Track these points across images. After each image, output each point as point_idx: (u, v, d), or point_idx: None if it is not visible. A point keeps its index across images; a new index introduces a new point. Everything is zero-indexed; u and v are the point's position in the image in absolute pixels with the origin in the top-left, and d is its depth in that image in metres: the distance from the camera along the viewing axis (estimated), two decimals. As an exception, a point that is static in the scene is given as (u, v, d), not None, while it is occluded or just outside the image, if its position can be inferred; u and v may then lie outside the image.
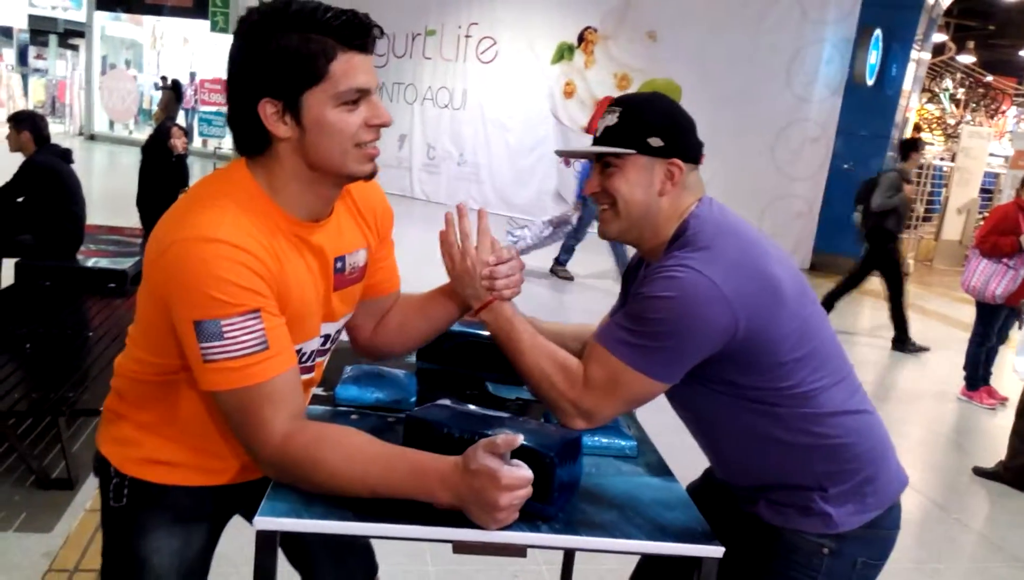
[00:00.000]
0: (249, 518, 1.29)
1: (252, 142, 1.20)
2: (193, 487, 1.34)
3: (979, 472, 4.23)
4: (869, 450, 1.39)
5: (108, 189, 10.76)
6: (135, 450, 1.32)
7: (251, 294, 1.11)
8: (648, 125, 1.37)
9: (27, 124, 4.67)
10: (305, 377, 1.33)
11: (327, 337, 1.38)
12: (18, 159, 4.71)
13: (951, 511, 3.74)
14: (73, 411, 2.97)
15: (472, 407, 1.30)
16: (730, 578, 1.41)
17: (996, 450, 4.67)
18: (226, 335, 1.09)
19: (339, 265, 1.33)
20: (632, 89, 11.08)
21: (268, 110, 1.15)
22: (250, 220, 1.16)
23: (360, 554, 1.64)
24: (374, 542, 1.66)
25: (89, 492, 2.98)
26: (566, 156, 1.55)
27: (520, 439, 1.05)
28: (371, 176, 1.24)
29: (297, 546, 1.59)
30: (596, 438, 1.40)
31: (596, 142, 1.40)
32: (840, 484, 1.36)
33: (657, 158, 1.37)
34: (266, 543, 1.07)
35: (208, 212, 1.14)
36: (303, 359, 1.32)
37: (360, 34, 1.16)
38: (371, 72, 1.18)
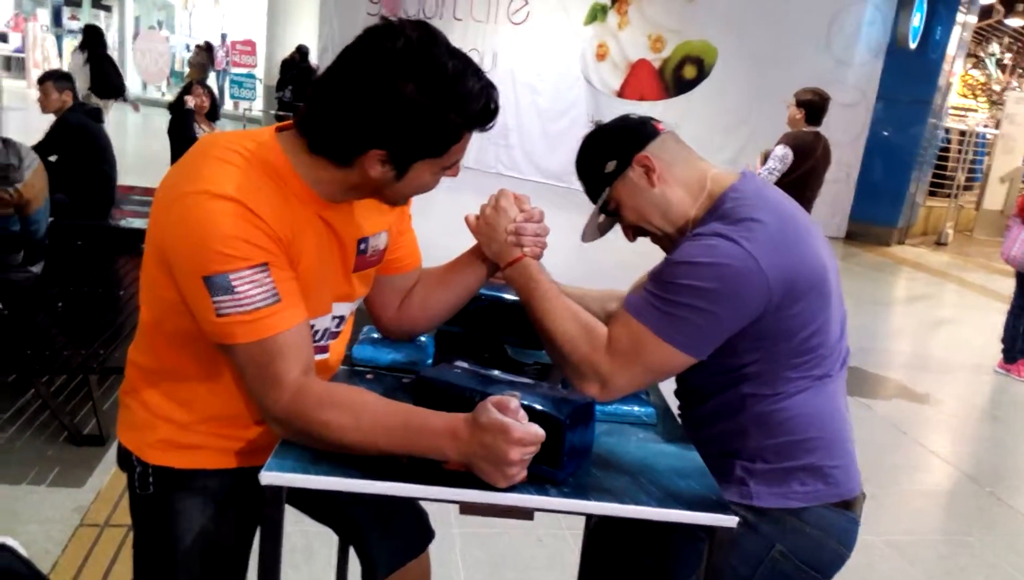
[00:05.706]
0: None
1: (335, 153, 1.15)
2: (217, 469, 1.31)
3: None
4: (815, 438, 1.35)
5: (141, 150, 10.86)
6: (151, 434, 1.29)
7: (258, 249, 1.09)
8: (595, 164, 1.43)
9: (68, 83, 4.74)
10: (319, 358, 1.31)
11: (341, 318, 1.36)
12: (46, 120, 4.76)
13: (983, 484, 3.67)
14: (104, 369, 3.01)
15: (482, 369, 1.27)
16: (648, 533, 1.43)
17: (1032, 423, 4.57)
18: (236, 289, 1.08)
19: (362, 247, 1.32)
20: (667, 52, 10.86)
21: (375, 155, 1.13)
22: (265, 182, 1.13)
23: (412, 519, 1.60)
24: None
25: (119, 448, 3.04)
26: (590, 238, 1.52)
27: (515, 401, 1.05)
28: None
29: (342, 518, 1.56)
30: (613, 405, 1.37)
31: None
32: (771, 463, 1.34)
33: (625, 173, 1.39)
34: (273, 499, 1.07)
35: (221, 167, 1.10)
36: (315, 338, 1.30)
37: (489, 124, 1.16)
38: None
